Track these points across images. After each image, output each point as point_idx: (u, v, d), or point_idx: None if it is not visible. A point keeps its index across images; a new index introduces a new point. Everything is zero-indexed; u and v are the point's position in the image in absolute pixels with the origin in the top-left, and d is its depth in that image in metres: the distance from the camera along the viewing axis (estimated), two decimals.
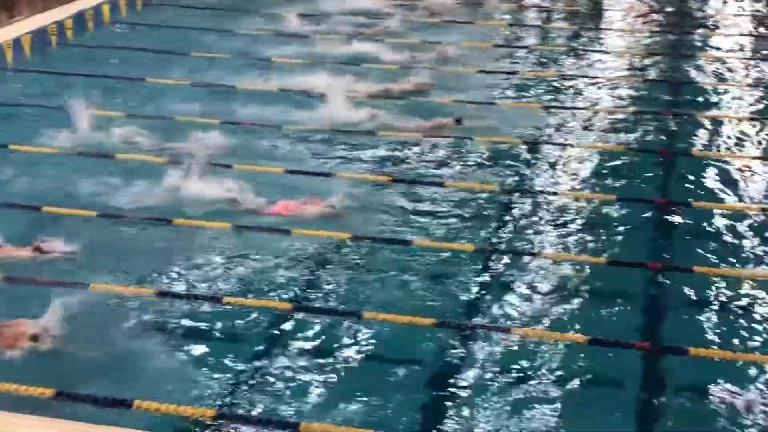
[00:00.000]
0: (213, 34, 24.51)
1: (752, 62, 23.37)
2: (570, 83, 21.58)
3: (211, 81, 20.80)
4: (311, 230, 13.88)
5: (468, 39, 24.50)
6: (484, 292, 12.68)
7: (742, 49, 24.61)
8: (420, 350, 11.29)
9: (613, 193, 15.67)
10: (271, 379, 10.61)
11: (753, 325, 11.91)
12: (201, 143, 16.65)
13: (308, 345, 11.29)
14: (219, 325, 11.69)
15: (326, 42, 23.59)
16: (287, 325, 11.68)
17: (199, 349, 11.10)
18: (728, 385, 10.50)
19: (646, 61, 23.24)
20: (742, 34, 25.90)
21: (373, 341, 11.38)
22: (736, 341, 11.53)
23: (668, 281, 12.99)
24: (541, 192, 15.76)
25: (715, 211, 15.06)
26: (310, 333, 11.51)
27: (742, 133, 18.46)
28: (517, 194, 15.66)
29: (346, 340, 11.37)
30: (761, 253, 13.72)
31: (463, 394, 10.40)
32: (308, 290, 12.52)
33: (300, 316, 11.89)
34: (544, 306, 12.29)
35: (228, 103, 19.48)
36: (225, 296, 12.20)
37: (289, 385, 10.48)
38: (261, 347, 11.18)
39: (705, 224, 14.64)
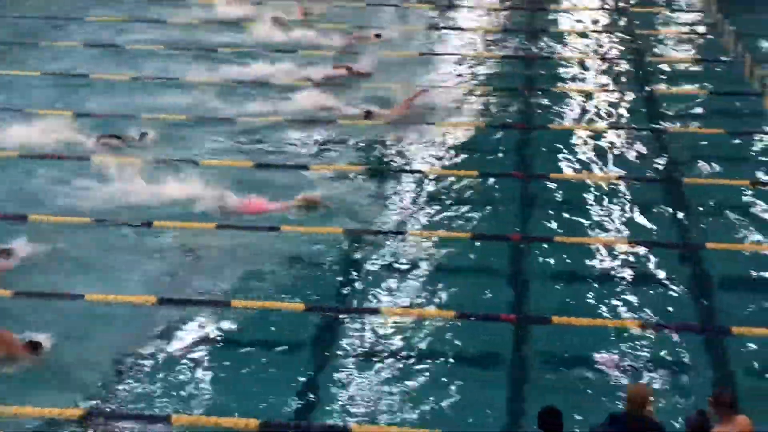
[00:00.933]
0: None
1: (603, 38, 24.13)
2: (429, 60, 22.06)
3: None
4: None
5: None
6: (354, 273, 12.83)
7: (594, 24, 25.46)
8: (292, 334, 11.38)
9: (474, 169, 16.01)
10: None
11: (614, 290, 12.40)
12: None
13: None
14: None
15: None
16: None
17: None
18: (596, 351, 10.94)
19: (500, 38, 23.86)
20: (591, 9, 26.79)
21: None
22: (602, 308, 11.97)
23: (531, 252, 13.35)
24: (405, 171, 16.01)
25: (572, 182, 15.61)
26: None
27: (596, 105, 19.06)
28: (381, 174, 15.84)
29: None
30: (617, 221, 14.25)
31: (338, 375, 10.51)
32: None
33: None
34: (413, 284, 12.49)
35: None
36: None
37: None
38: None
39: (564, 195, 15.11)
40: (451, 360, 10.81)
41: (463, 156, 16.73)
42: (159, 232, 13.85)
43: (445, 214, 14.46)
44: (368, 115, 18.06)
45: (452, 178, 15.68)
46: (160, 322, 11.54)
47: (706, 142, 17.19)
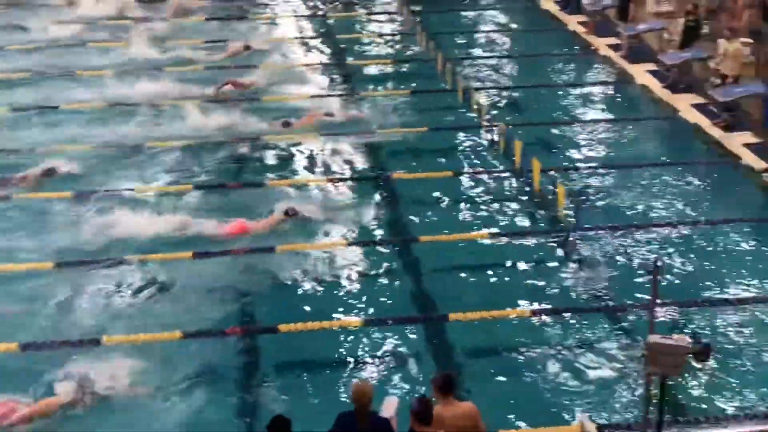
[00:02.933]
0: None
1: (308, 44, 24.64)
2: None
3: None
4: None
5: None
6: None
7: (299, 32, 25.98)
8: None
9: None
10: None
11: (337, 292, 12.65)
12: None
13: None
14: None
15: None
16: None
17: None
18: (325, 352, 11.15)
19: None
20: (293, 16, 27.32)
21: None
22: (326, 310, 12.15)
23: (253, 263, 13.37)
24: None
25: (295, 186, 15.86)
26: None
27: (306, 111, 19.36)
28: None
29: None
30: (337, 223, 14.55)
31: None
32: None
33: None
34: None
35: None
36: None
37: None
38: None
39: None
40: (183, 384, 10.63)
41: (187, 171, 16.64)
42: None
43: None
44: (286, 125, 18.32)
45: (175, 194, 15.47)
46: None
47: (411, 139, 17.94)
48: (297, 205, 14.64)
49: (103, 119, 18.77)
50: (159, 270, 13.07)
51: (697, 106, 18.80)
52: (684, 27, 21.12)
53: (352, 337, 11.57)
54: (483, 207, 15.04)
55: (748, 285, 12.61)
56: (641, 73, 21.11)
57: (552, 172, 15.74)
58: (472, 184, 15.87)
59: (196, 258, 13.29)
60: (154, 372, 10.70)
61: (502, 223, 14.47)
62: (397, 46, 24.61)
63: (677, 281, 12.68)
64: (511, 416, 10.00)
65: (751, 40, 21.05)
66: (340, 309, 12.21)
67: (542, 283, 12.81)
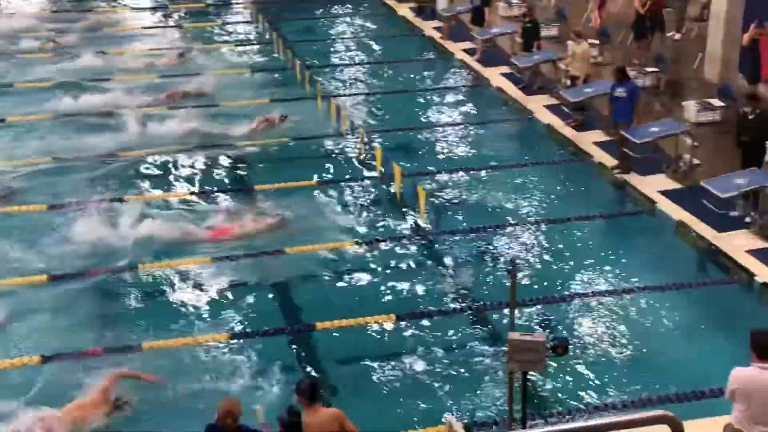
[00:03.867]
0: None
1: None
2: None
3: None
4: None
5: None
6: None
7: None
8: None
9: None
10: None
11: (197, 309, 12.49)
12: None
13: None
14: None
15: None
16: None
17: None
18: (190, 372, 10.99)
19: None
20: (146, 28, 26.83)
21: None
22: (188, 327, 11.96)
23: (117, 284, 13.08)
24: None
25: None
26: None
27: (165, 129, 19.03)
28: None
29: None
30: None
31: None
32: None
33: None
34: None
35: None
36: None
37: None
38: None
39: None
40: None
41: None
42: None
43: None
44: (284, 119, 18.53)
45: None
46: None
47: (273, 149, 17.87)
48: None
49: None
50: None
51: (550, 107, 19.40)
52: (522, 29, 21.75)
53: (218, 352, 11.43)
54: (347, 215, 15.11)
55: (603, 279, 13.07)
56: (496, 76, 21.64)
57: (414, 177, 15.93)
58: (336, 192, 15.92)
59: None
60: None
61: (366, 230, 14.56)
62: (255, 56, 24.51)
63: (537, 278, 13.04)
64: (380, 420, 10.06)
65: (597, 41, 21.90)
66: (206, 324, 12.06)
67: (407, 287, 12.96)
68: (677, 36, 22.11)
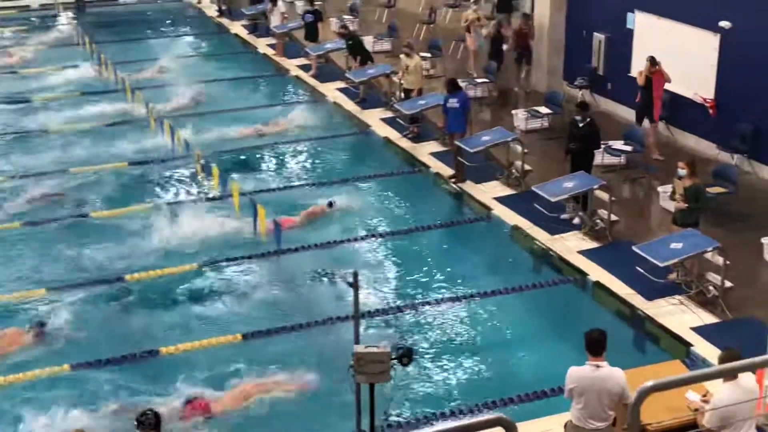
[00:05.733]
0: None
1: None
2: None
3: None
4: None
5: None
6: None
7: None
8: None
9: None
10: None
11: None
12: None
13: None
14: None
15: None
16: None
17: None
18: None
19: None
20: None
21: None
22: None
23: None
24: None
25: None
26: None
27: None
28: None
29: None
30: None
31: None
32: None
33: None
34: None
35: None
36: None
37: None
38: None
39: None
40: None
41: None
42: None
43: None
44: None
45: None
46: None
47: (109, 175, 17.44)
48: None
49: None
50: None
51: (387, 120, 19.66)
52: (347, 47, 21.96)
53: (66, 382, 11.05)
54: (190, 236, 14.81)
55: (445, 287, 13.32)
56: (332, 91, 21.78)
57: (253, 194, 15.77)
58: (176, 213, 15.59)
59: None
60: None
61: (209, 251, 14.34)
62: (84, 78, 23.82)
63: (381, 290, 13.17)
64: None
65: (429, 54, 22.37)
66: (51, 355, 11.61)
67: (253, 306, 12.85)
68: (505, 47, 22.84)
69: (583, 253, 13.65)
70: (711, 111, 16.63)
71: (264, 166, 18.13)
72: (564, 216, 14.63)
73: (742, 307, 11.92)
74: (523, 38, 20.73)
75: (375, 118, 19.88)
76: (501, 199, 15.59)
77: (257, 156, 18.55)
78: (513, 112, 19.04)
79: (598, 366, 8.21)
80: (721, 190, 14.56)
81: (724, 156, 16.11)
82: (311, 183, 16.95)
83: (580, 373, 8.27)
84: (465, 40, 22.14)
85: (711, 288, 12.11)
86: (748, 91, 15.81)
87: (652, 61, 16.48)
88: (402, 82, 19.86)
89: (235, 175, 16.40)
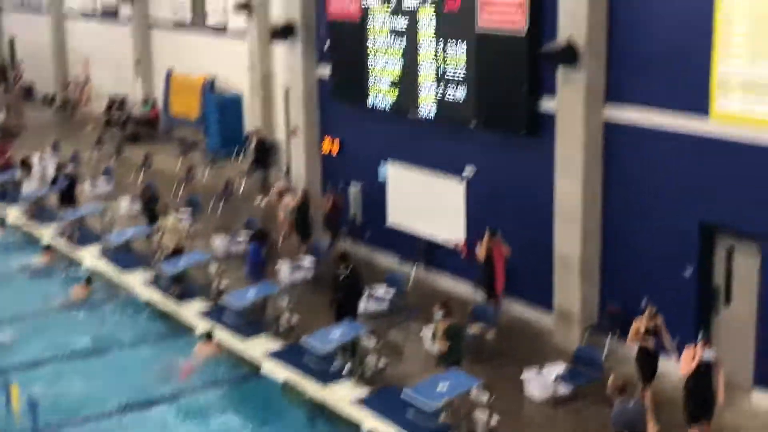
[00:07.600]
0: None
1: None
2: None
3: None
4: None
5: None
6: None
7: None
8: None
9: None
10: None
11: None
12: None
13: None
14: None
15: None
16: None
17: None
18: None
19: None
20: None
21: None
22: None
23: None
24: None
25: None
26: None
27: None
28: None
29: None
30: None
31: None
32: None
33: None
34: None
35: None
36: None
37: None
38: None
39: None
40: None
41: None
42: None
43: None
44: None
45: None
46: None
47: None
48: None
49: None
50: None
51: (150, 282, 19.10)
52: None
53: None
54: None
55: None
56: (89, 256, 21.02)
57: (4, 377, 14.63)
58: None
59: None
60: None
61: None
62: None
63: None
64: None
65: (186, 210, 22.25)
66: None
67: None
68: (263, 203, 23.14)
69: (355, 402, 13.63)
70: (462, 253, 17.46)
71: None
72: (335, 366, 14.62)
73: None
74: (335, 209, 20.10)
75: (138, 281, 19.21)
76: (272, 354, 15.39)
77: None
78: (276, 267, 19.00)
79: None
80: (479, 329, 15.16)
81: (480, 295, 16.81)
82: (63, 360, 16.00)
83: None
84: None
85: (479, 427, 12.40)
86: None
87: (492, 232, 15.83)
88: (162, 242, 19.51)
89: None
